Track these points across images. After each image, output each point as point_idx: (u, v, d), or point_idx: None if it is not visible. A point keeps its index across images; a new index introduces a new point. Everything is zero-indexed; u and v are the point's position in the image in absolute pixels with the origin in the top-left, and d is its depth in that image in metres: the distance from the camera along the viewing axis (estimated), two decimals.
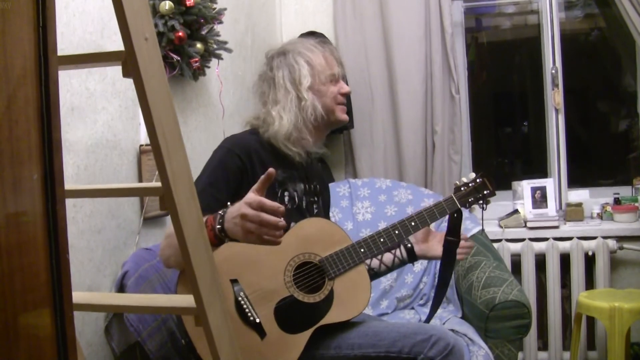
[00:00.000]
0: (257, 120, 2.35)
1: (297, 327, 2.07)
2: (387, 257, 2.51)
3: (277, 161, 2.23)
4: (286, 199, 2.25)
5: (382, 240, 2.29)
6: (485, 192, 2.45)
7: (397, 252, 2.51)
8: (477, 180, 2.45)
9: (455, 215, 2.43)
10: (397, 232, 2.31)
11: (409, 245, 2.50)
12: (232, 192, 2.08)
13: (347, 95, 2.39)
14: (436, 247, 2.50)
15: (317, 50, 2.36)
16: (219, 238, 1.85)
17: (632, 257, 3.83)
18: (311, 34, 3.90)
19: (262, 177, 1.85)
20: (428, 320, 2.66)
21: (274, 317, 2.05)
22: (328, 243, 2.22)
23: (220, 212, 1.86)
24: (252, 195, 1.81)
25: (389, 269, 2.53)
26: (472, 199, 2.43)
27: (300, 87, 2.29)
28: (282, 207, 1.81)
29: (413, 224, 2.33)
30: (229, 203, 1.89)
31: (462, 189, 2.44)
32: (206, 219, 1.86)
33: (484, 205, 2.47)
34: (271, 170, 1.85)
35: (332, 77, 2.34)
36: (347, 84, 2.43)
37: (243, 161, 2.16)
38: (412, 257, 2.51)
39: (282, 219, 1.79)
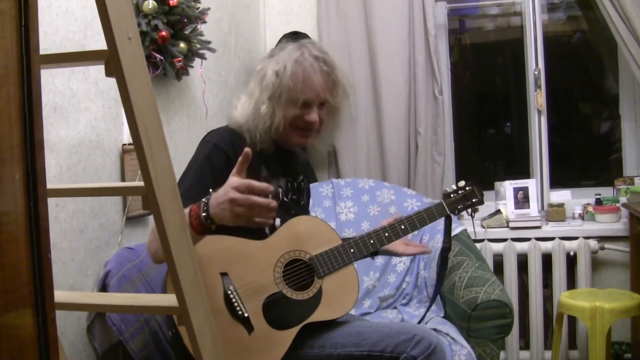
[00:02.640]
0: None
1: (285, 323, 2.08)
2: None
3: (261, 157, 2.22)
4: (270, 195, 2.24)
5: (372, 241, 2.30)
6: (473, 200, 2.51)
7: None
8: (467, 188, 2.51)
9: (446, 220, 2.49)
10: (387, 234, 2.34)
11: None
12: (217, 188, 2.08)
13: (312, 124, 2.22)
14: (397, 245, 2.48)
15: (302, 67, 2.19)
16: (204, 226, 1.84)
17: (613, 257, 3.86)
18: (299, 37, 3.90)
19: (240, 158, 1.84)
20: (421, 320, 2.69)
21: (262, 313, 2.06)
22: (319, 242, 2.23)
23: (203, 199, 1.85)
24: (236, 179, 1.80)
25: None
26: (461, 206, 2.50)
27: (260, 94, 2.19)
28: (270, 187, 1.81)
29: (403, 227, 2.36)
30: (210, 190, 1.87)
31: (451, 195, 2.50)
32: (190, 208, 1.86)
33: (473, 214, 2.53)
34: (247, 149, 1.84)
35: (296, 99, 2.18)
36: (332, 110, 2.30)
37: (229, 156, 2.13)
38: (373, 252, 2.44)
39: (272, 199, 1.80)
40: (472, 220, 2.60)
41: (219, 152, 2.14)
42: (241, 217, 1.80)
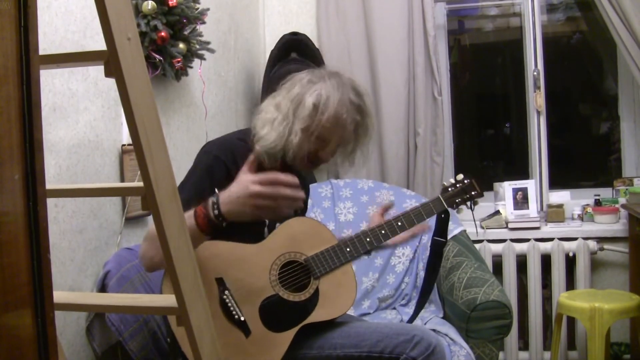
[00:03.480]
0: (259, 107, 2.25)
1: (282, 325, 2.07)
2: None
3: (260, 167, 2.20)
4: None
5: (368, 240, 2.27)
6: (472, 192, 2.45)
7: None
8: (465, 181, 2.45)
9: (443, 215, 2.43)
10: (383, 231, 2.30)
11: None
12: None
13: (319, 161, 2.21)
14: None
15: (341, 112, 2.12)
16: (214, 225, 1.89)
17: (612, 258, 3.86)
18: (294, 35, 3.90)
19: (250, 157, 1.94)
20: (412, 319, 2.67)
21: (259, 316, 2.05)
22: (314, 242, 2.21)
23: (211, 199, 1.90)
24: (252, 175, 1.87)
25: None
26: (460, 199, 2.43)
27: (296, 120, 2.12)
28: (296, 179, 1.88)
29: (400, 224, 2.32)
30: (216, 190, 1.92)
31: (449, 189, 2.44)
32: (194, 210, 1.89)
33: (472, 206, 2.48)
34: (252, 156, 1.91)
35: (323, 139, 2.14)
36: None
37: (229, 168, 2.10)
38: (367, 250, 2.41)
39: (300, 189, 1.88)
40: (472, 213, 2.54)
41: (220, 164, 2.11)
42: (264, 210, 1.87)
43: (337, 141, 2.18)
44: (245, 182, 1.88)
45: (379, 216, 2.43)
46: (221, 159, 2.13)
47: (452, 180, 2.47)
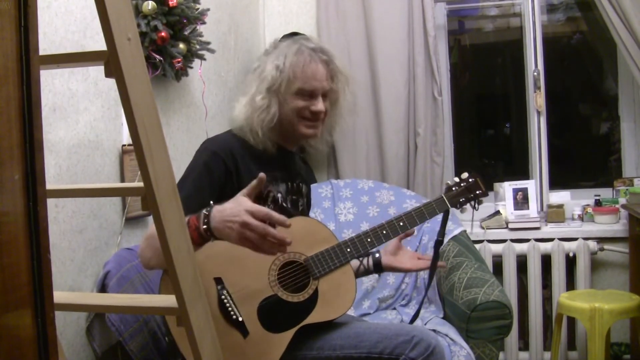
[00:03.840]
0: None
1: (281, 326, 2.07)
2: (354, 263, 2.43)
3: (260, 163, 2.21)
4: (269, 199, 2.24)
5: (369, 240, 2.26)
6: (477, 192, 2.43)
7: (365, 260, 2.47)
8: (469, 180, 2.43)
9: (444, 214, 2.43)
10: (384, 232, 2.29)
11: (377, 255, 2.46)
12: (216, 197, 2.08)
13: (318, 113, 2.24)
14: (405, 261, 2.46)
15: (302, 58, 2.21)
16: (203, 238, 1.85)
17: (612, 258, 3.86)
18: (294, 35, 3.90)
19: (253, 182, 1.87)
20: (414, 318, 2.67)
21: (257, 316, 2.05)
22: (314, 242, 2.20)
23: (204, 211, 1.86)
24: (251, 204, 1.82)
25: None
26: (464, 199, 2.41)
27: (258, 87, 2.22)
28: (289, 222, 1.83)
29: (401, 224, 2.31)
30: (211, 202, 1.89)
31: (453, 188, 2.42)
32: (188, 219, 1.85)
33: (476, 206, 2.45)
34: (262, 175, 1.87)
35: (300, 90, 2.21)
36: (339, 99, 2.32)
37: (227, 164, 2.13)
38: (379, 268, 2.48)
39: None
40: (473, 212, 2.52)
41: (218, 160, 2.13)
42: (248, 242, 1.82)
43: (318, 87, 2.22)
44: (240, 207, 1.82)
45: (397, 242, 2.44)
46: (220, 155, 2.14)
47: (457, 179, 2.44)
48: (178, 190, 2.06)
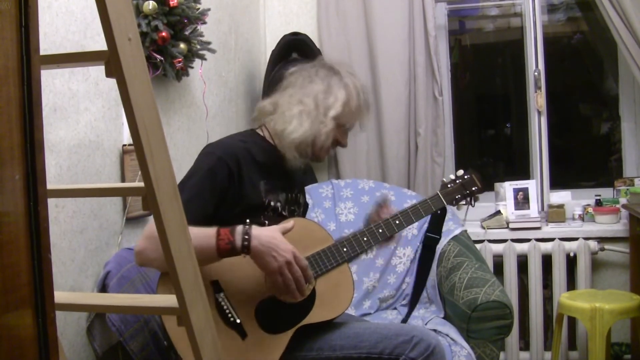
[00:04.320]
0: (270, 107, 2.33)
1: (279, 327, 2.07)
2: None
3: (262, 171, 2.22)
4: (270, 208, 2.24)
5: (365, 239, 2.26)
6: (473, 188, 2.44)
7: None
8: (465, 176, 2.45)
9: (439, 212, 2.42)
10: (380, 230, 2.29)
11: None
12: (217, 202, 2.08)
13: (336, 147, 2.40)
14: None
15: (358, 96, 2.32)
16: (234, 252, 1.93)
17: (613, 258, 3.86)
18: (294, 35, 3.90)
19: (288, 226, 2.05)
20: (407, 317, 2.66)
21: (255, 318, 2.05)
22: (310, 242, 2.20)
23: (243, 227, 1.94)
24: (298, 253, 1.99)
25: None
26: (459, 195, 2.42)
27: (327, 111, 2.26)
28: (313, 281, 2.08)
29: (397, 222, 2.31)
30: (247, 220, 1.97)
31: (449, 185, 2.43)
32: (217, 230, 1.92)
33: (473, 202, 2.46)
34: (292, 223, 2.08)
35: (344, 124, 2.33)
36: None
37: (231, 169, 2.12)
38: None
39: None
40: (467, 208, 2.52)
41: (223, 165, 2.11)
42: (279, 277, 1.97)
43: (357, 126, 2.38)
44: (289, 247, 1.97)
45: (376, 215, 2.43)
46: (224, 161, 2.12)
47: (452, 177, 2.46)
48: (178, 189, 2.09)
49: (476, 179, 2.45)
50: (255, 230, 1.94)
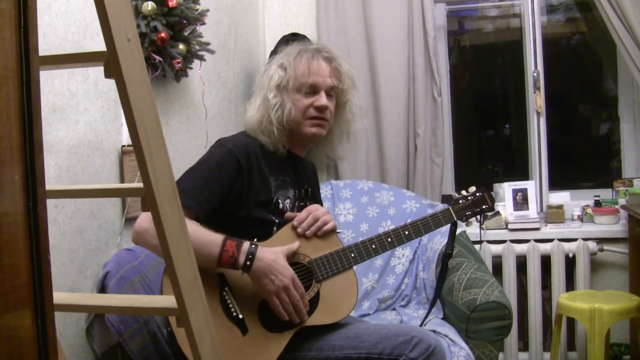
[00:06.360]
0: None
1: (280, 326, 2.07)
2: None
3: (271, 166, 2.23)
4: (280, 205, 2.24)
5: (373, 247, 2.27)
6: (484, 206, 2.48)
7: None
8: (477, 194, 2.48)
9: (451, 227, 2.47)
10: (389, 239, 2.30)
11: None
12: (224, 194, 2.09)
13: (323, 109, 2.27)
14: None
15: (304, 56, 2.28)
16: (234, 266, 1.98)
17: (612, 259, 3.87)
18: (293, 36, 3.90)
19: (293, 248, 2.10)
20: (423, 321, 2.71)
21: (258, 315, 2.06)
22: (319, 245, 2.21)
23: (250, 245, 1.98)
24: (297, 278, 2.05)
25: None
26: (470, 212, 2.46)
27: (268, 86, 2.27)
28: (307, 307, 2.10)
29: (407, 233, 2.32)
30: (255, 239, 2.01)
31: (460, 202, 2.46)
32: (224, 241, 1.96)
33: (483, 220, 2.49)
34: (297, 245, 2.12)
35: (303, 85, 2.26)
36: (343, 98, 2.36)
37: (241, 164, 2.14)
38: None
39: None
40: (480, 227, 2.58)
41: (232, 158, 2.15)
42: (276, 299, 2.01)
43: (321, 82, 2.27)
44: (289, 273, 2.02)
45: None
46: (234, 153, 2.16)
47: (464, 192, 2.49)
48: (185, 178, 2.12)
49: (487, 197, 2.50)
50: (260, 252, 1.99)
